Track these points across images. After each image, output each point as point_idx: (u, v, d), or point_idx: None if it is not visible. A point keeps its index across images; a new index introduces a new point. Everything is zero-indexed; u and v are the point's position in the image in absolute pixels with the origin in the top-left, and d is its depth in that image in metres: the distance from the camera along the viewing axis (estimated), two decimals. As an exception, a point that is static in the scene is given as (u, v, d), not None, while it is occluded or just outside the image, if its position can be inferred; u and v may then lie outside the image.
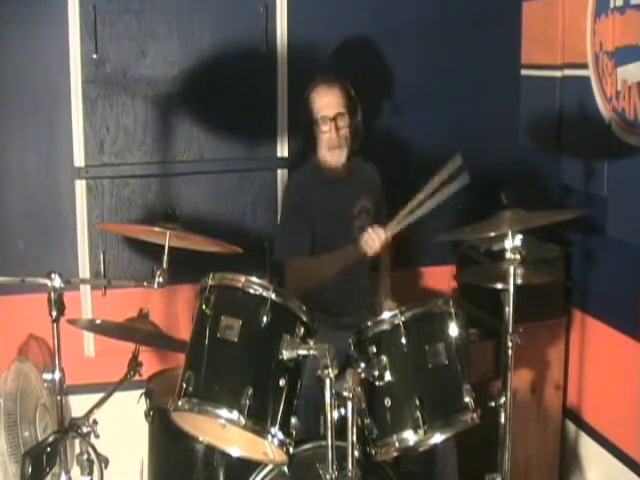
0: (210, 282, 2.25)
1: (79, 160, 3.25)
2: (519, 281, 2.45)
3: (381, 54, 3.45)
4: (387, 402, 2.25)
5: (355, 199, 3.06)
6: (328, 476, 2.09)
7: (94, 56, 3.19)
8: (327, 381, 2.04)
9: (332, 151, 2.96)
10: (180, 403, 2.15)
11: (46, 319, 2.23)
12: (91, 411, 2.37)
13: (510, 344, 2.45)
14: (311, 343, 2.19)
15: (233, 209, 3.42)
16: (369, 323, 2.33)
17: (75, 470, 2.34)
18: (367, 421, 2.28)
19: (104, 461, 2.35)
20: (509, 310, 2.44)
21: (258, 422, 2.11)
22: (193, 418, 2.22)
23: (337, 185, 3.03)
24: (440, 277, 3.56)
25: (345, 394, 2.07)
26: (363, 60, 3.40)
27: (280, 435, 2.15)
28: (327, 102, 2.94)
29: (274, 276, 3.25)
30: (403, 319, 2.28)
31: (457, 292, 3.50)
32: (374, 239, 2.73)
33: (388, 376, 2.25)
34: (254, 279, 2.22)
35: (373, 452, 2.29)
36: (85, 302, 3.30)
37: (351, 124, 2.97)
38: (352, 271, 2.97)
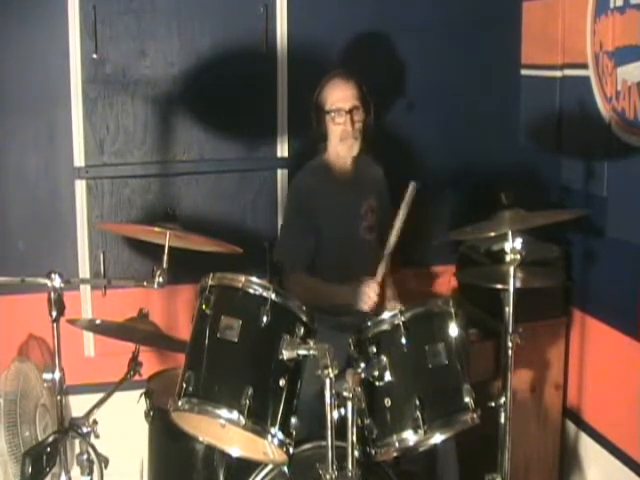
0: (210, 282, 2.25)
1: (79, 160, 3.25)
2: (519, 284, 2.45)
3: (381, 55, 3.45)
4: (387, 402, 2.25)
5: (361, 199, 3.04)
6: (328, 476, 2.08)
7: (94, 56, 3.19)
8: (327, 381, 2.04)
9: (344, 141, 2.91)
10: (180, 403, 2.15)
11: (46, 319, 2.22)
12: (91, 411, 2.36)
13: (510, 344, 2.44)
14: (311, 343, 2.19)
15: (233, 209, 3.42)
16: (369, 323, 2.33)
17: (75, 470, 2.34)
18: (367, 421, 2.28)
19: (104, 461, 2.35)
20: (509, 310, 2.44)
21: (258, 422, 2.12)
22: (193, 418, 2.22)
23: (343, 185, 3.01)
24: (440, 277, 3.55)
25: (345, 394, 2.07)
26: (363, 60, 3.39)
27: (280, 435, 2.15)
28: (344, 95, 2.90)
29: (274, 276, 3.25)
30: (403, 319, 2.28)
31: (457, 292, 3.49)
32: (370, 294, 2.76)
33: (388, 376, 2.25)
34: (254, 279, 2.22)
35: (373, 452, 2.29)
36: (85, 302, 3.31)
37: (364, 121, 2.94)
38: (353, 270, 2.97)
